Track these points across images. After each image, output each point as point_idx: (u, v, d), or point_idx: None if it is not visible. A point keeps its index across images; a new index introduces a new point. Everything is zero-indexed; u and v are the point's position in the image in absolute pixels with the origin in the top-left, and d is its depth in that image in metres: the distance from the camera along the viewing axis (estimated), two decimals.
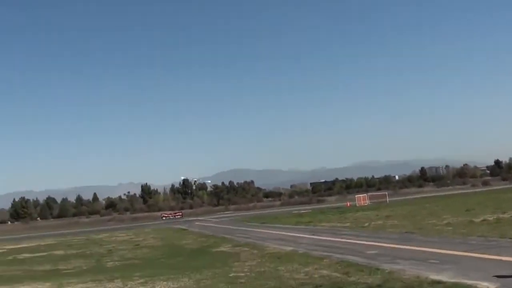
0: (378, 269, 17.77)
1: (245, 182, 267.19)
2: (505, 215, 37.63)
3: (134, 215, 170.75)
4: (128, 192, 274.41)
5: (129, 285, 19.31)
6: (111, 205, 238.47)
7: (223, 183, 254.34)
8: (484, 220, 35.57)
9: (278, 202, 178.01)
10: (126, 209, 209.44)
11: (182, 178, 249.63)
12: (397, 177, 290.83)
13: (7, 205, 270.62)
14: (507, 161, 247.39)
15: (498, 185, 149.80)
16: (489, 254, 19.05)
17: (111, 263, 30.69)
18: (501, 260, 17.67)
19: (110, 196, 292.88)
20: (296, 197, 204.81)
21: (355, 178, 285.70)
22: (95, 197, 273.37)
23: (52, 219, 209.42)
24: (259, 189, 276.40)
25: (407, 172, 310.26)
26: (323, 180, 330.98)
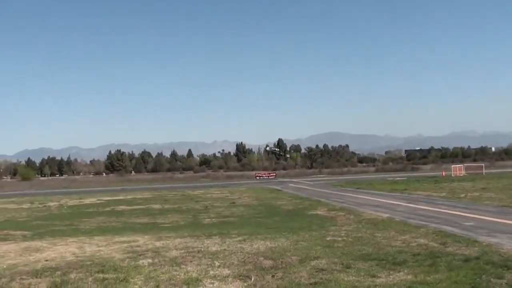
0: (475, 241, 17.68)
1: (340, 146, 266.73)
2: None
3: (228, 173, 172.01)
4: (223, 150, 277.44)
5: (227, 242, 19.53)
6: (205, 162, 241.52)
7: (317, 146, 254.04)
8: None
9: (372, 168, 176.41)
10: (220, 167, 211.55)
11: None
12: (493, 149, 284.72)
13: (103, 157, 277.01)
14: None
15: None
16: None
17: (208, 219, 30.98)
18: None
19: (205, 153, 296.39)
20: (391, 163, 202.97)
21: (451, 147, 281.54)
22: (189, 153, 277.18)
23: (146, 173, 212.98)
24: (353, 153, 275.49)
25: (504, 145, 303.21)
26: (418, 148, 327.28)
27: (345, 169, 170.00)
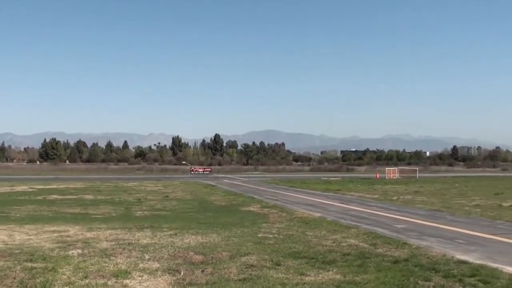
0: (405, 243, 17.97)
1: (276, 144, 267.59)
2: None
3: (163, 166, 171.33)
4: (159, 143, 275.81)
5: (158, 236, 19.48)
6: (141, 154, 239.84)
7: (254, 142, 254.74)
8: None
9: (307, 167, 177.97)
10: (155, 160, 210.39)
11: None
12: (428, 153, 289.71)
13: (37, 145, 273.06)
14: None
15: None
16: None
17: (140, 212, 30.87)
18: None
19: (141, 145, 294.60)
20: (326, 163, 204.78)
21: (386, 150, 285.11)
22: (125, 145, 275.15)
23: (81, 163, 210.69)
24: (289, 152, 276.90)
25: (439, 150, 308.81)
26: (353, 149, 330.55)
27: (281, 167, 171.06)
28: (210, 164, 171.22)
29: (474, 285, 12.05)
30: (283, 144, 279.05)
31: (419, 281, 12.24)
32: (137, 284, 12.01)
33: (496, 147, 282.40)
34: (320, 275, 12.88)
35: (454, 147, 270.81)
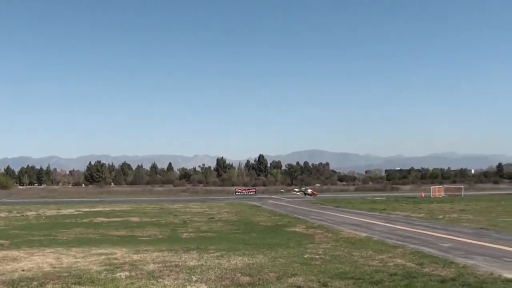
0: (452, 262, 17.85)
1: (320, 163, 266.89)
2: None
3: (208, 187, 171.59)
4: (203, 164, 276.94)
5: (205, 257, 19.53)
6: (185, 175, 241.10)
7: (298, 163, 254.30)
8: None
9: (352, 187, 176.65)
10: (200, 181, 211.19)
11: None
12: (473, 171, 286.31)
13: (82, 168, 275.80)
14: None
15: None
16: None
17: (186, 234, 31.03)
18: None
19: (185, 167, 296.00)
20: (370, 183, 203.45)
21: (430, 168, 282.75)
22: (169, 167, 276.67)
23: (126, 185, 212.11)
24: (333, 171, 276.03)
25: (484, 167, 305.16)
26: (398, 168, 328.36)
27: (325, 187, 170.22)
28: (255, 185, 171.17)
29: None
30: (327, 164, 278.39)
31: None
32: None
33: None
34: None
35: (500, 164, 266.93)
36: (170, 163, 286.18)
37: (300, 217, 44.40)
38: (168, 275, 15.67)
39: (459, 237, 26.97)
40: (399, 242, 24.61)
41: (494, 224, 34.46)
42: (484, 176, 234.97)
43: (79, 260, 19.12)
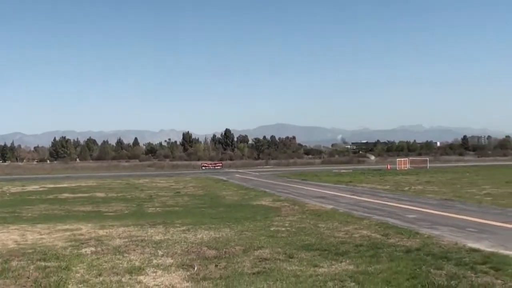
0: (417, 233, 18.03)
1: (287, 137, 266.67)
2: None
3: (174, 162, 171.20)
4: (169, 139, 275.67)
5: (171, 232, 19.52)
6: (151, 150, 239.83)
7: (265, 137, 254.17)
8: None
9: (318, 160, 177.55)
10: (166, 156, 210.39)
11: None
12: (438, 144, 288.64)
13: (47, 143, 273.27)
14: None
15: None
16: None
17: (152, 208, 30.92)
18: None
19: (151, 142, 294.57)
20: (337, 156, 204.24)
21: (397, 141, 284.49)
22: (135, 142, 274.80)
23: (91, 161, 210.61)
24: (300, 145, 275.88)
25: (450, 140, 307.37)
26: (364, 141, 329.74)
27: (292, 160, 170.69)
28: (221, 159, 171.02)
29: (486, 272, 12.09)
30: (294, 137, 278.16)
31: (431, 270, 12.29)
32: (151, 280, 12.07)
33: (506, 136, 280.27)
34: (333, 267, 12.94)
35: (465, 136, 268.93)
36: (136, 138, 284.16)
37: (267, 190, 44.52)
38: (134, 250, 15.64)
39: (425, 208, 27.20)
40: (365, 214, 24.80)
41: (459, 195, 34.81)
42: (450, 149, 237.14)
43: (44, 236, 18.99)
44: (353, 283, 11.35)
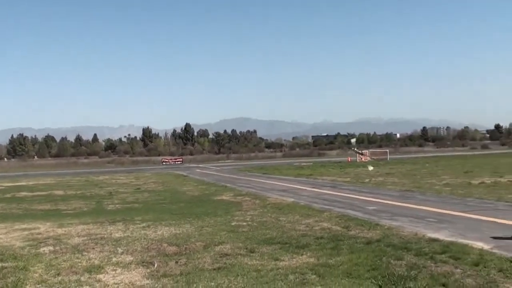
0: (377, 224, 18.11)
1: (248, 131, 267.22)
2: (502, 179, 38.12)
3: (134, 158, 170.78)
4: (129, 135, 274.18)
5: (130, 229, 19.37)
6: (111, 147, 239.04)
7: (225, 131, 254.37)
8: (482, 182, 36.02)
9: (279, 154, 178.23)
10: (126, 152, 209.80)
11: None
12: (398, 135, 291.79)
13: (4, 141, 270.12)
14: (507, 126, 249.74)
15: (497, 149, 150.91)
16: (486, 216, 19.36)
17: (112, 205, 30.66)
18: (496, 222, 17.99)
19: (111, 138, 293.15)
20: (298, 149, 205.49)
21: (357, 133, 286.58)
22: (94, 138, 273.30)
23: (50, 158, 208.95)
24: (261, 139, 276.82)
25: (409, 131, 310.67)
26: (325, 134, 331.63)
27: (253, 154, 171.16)
28: (182, 154, 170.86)
29: (445, 262, 12.17)
30: (255, 131, 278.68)
31: (392, 261, 12.35)
32: (111, 278, 11.95)
33: (464, 127, 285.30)
34: (294, 260, 12.95)
35: (424, 128, 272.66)
36: (95, 134, 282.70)
37: (228, 185, 44.48)
38: (94, 248, 15.50)
39: (385, 199, 27.37)
40: (326, 206, 24.86)
41: (419, 186, 35.11)
42: (409, 140, 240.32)
43: (1, 236, 18.72)
44: (314, 276, 11.36)
